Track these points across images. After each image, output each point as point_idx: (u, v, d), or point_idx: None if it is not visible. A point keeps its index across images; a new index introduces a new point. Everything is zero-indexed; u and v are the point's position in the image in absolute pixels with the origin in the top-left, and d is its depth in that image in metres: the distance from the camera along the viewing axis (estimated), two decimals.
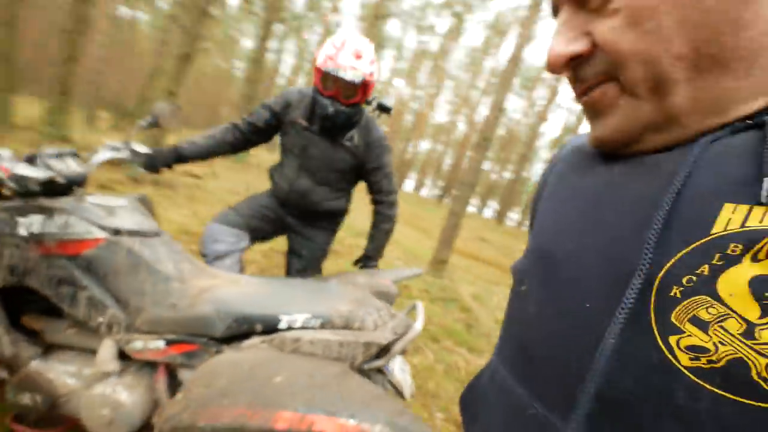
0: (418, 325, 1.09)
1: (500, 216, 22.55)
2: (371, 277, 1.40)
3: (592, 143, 0.37)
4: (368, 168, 1.68)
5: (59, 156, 1.14)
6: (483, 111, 26.20)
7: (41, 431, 1.10)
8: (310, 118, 1.61)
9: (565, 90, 23.89)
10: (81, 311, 1.02)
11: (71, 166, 1.12)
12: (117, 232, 1.05)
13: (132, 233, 1.08)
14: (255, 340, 1.00)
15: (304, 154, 1.64)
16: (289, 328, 1.02)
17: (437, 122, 30.63)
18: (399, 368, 1.16)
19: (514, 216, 27.18)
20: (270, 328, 1.02)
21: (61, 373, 1.04)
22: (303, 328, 1.02)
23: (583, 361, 0.31)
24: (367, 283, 1.35)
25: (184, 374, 1.05)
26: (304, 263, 1.79)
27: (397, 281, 1.46)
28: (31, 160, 1.06)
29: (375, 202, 1.79)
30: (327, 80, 1.50)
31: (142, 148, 1.34)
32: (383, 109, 1.67)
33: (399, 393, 1.11)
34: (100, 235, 1.03)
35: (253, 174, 8.10)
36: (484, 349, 3.16)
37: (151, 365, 1.08)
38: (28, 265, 1.00)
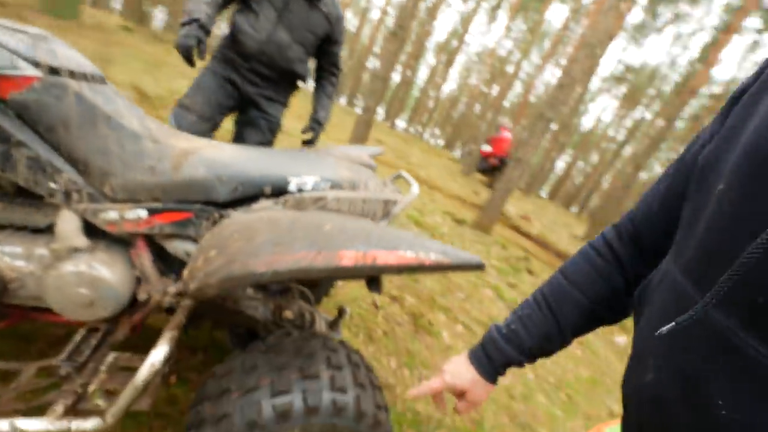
0: (415, 189, 1.20)
1: (390, 120, 23.07)
2: (346, 151, 1.42)
3: None
4: (332, 39, 1.83)
5: None
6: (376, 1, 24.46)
7: None
8: None
9: None
10: (21, 175, 0.81)
11: None
12: (54, 70, 0.81)
13: (75, 75, 0.84)
14: (266, 203, 0.97)
15: (286, 8, 1.65)
16: (300, 191, 1.01)
17: None
18: None
19: (400, 123, 28.13)
20: (278, 190, 0.99)
21: (2, 256, 0.85)
22: (313, 190, 1.03)
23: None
24: (345, 155, 1.36)
25: (175, 245, 0.97)
26: (260, 136, 1.80)
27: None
28: None
29: (328, 73, 1.93)
30: None
31: None
32: None
33: None
34: (32, 72, 0.78)
35: (95, 39, 6.31)
36: None
37: (123, 239, 0.96)
38: None
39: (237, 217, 0.92)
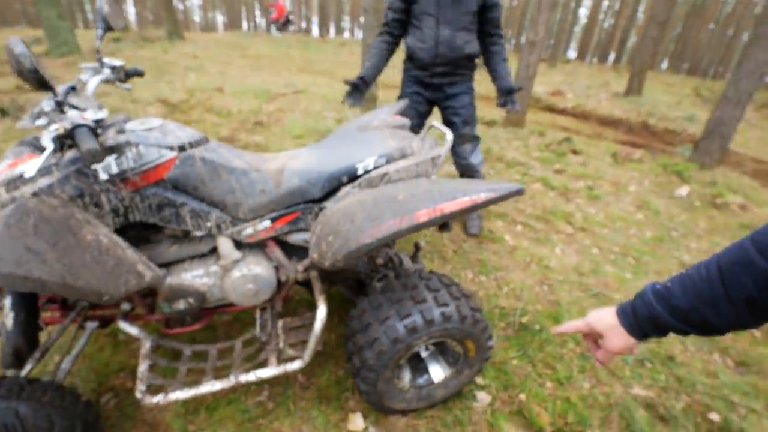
0: (450, 136, 1.47)
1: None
2: (381, 118, 1.68)
3: None
4: (488, 5, 2.09)
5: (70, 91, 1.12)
6: None
7: (189, 328, 1.41)
8: None
9: None
10: (189, 224, 1.21)
11: (89, 102, 1.11)
12: (182, 147, 1.16)
13: (192, 144, 1.18)
14: (347, 189, 1.32)
15: (438, 7, 2.02)
16: (366, 172, 1.34)
17: None
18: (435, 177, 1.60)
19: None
20: (352, 176, 1.33)
21: (194, 278, 1.29)
22: (375, 168, 1.35)
23: None
24: (383, 123, 1.64)
25: (293, 237, 1.36)
26: (463, 117, 2.28)
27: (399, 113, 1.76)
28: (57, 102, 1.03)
29: (494, 38, 2.21)
30: None
31: (116, 61, 1.28)
32: None
33: None
34: (171, 154, 1.13)
35: None
36: None
37: (259, 243, 1.37)
38: (125, 204, 1.11)
39: (332, 206, 1.27)
